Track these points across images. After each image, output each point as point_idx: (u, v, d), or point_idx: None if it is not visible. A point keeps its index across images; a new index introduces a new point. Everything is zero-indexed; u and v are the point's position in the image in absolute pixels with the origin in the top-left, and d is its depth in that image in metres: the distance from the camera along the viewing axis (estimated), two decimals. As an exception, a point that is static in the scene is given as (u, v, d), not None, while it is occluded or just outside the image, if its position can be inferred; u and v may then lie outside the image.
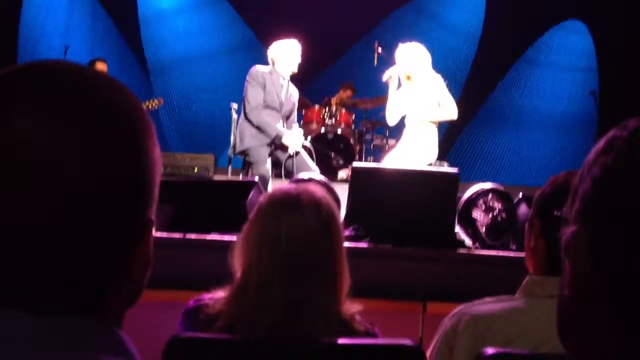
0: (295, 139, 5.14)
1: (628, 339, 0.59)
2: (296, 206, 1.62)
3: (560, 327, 0.67)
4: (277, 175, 5.28)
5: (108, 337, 0.67)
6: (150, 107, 7.09)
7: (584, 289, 0.63)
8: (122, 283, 0.69)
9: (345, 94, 7.81)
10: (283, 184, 4.73)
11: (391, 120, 5.29)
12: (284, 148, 5.14)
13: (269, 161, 5.16)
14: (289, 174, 5.05)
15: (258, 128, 5.10)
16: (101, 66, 7.02)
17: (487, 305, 1.58)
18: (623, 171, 0.60)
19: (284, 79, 5.24)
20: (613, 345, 0.61)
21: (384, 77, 5.24)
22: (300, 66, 5.33)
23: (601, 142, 0.64)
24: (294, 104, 5.39)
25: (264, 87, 5.13)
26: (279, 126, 5.16)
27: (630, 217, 0.58)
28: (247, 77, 5.19)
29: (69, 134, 0.64)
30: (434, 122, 5.19)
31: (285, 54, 5.22)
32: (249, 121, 5.12)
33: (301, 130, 5.44)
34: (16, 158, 0.63)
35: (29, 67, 0.69)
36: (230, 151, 5.38)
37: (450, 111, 5.14)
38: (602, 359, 0.62)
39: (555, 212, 1.45)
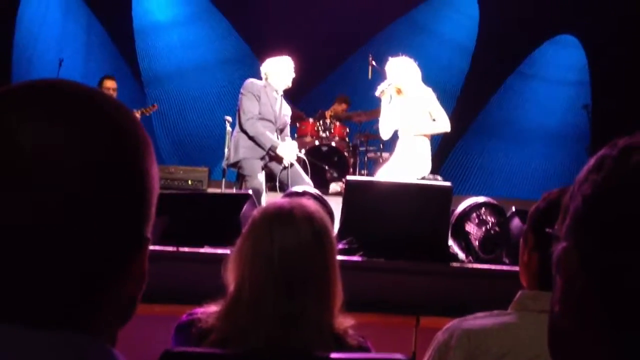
0: (289, 150, 5.16)
1: (620, 357, 0.60)
2: (289, 220, 1.62)
3: (551, 343, 0.67)
4: (271, 188, 5.28)
5: (101, 353, 0.67)
6: (145, 113, 7.12)
7: (575, 305, 0.63)
8: (116, 299, 0.70)
9: (339, 107, 7.84)
10: (277, 197, 4.75)
11: (385, 134, 5.32)
12: (279, 160, 5.16)
13: (262, 174, 5.16)
14: (283, 187, 5.06)
15: (253, 139, 5.11)
16: (110, 83, 7.05)
17: (480, 320, 1.58)
18: (612, 189, 0.61)
19: (277, 93, 5.27)
20: None
21: (377, 92, 5.27)
22: (295, 79, 5.36)
23: (592, 161, 0.65)
24: (287, 119, 5.42)
25: (259, 99, 5.16)
26: (274, 137, 5.18)
27: (620, 234, 0.59)
28: (242, 90, 5.22)
29: (69, 146, 0.65)
30: (426, 135, 5.21)
31: (279, 70, 5.25)
32: (244, 132, 5.13)
33: (295, 142, 5.45)
34: (16, 166, 0.64)
35: (35, 82, 0.70)
36: (224, 163, 5.38)
37: (442, 124, 5.17)
38: None
39: (547, 229, 1.46)
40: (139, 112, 6.98)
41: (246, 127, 5.12)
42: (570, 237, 0.64)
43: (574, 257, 0.63)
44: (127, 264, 0.70)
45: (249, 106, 5.13)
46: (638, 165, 0.60)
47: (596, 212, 0.62)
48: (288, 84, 5.30)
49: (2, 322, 0.64)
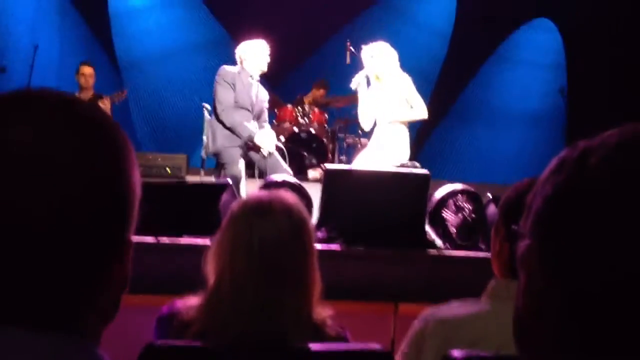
0: (267, 139, 5.14)
1: (578, 354, 0.62)
2: (268, 212, 1.65)
3: (516, 334, 0.70)
4: (250, 175, 5.28)
5: (86, 353, 0.70)
6: (115, 100, 6.98)
7: (536, 302, 0.66)
8: (100, 300, 0.72)
9: (318, 92, 7.82)
10: (256, 185, 4.76)
11: (365, 125, 5.33)
12: (257, 149, 5.15)
13: (241, 161, 5.16)
14: (262, 175, 5.07)
15: (230, 129, 5.10)
16: (87, 69, 6.94)
17: (454, 309, 1.63)
18: (571, 191, 0.63)
19: (252, 78, 5.23)
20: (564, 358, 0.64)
21: (352, 86, 5.27)
22: (273, 65, 5.33)
23: (553, 162, 0.68)
24: (263, 104, 5.39)
25: (234, 87, 5.13)
26: (251, 126, 5.17)
27: (578, 235, 0.62)
28: (216, 78, 5.17)
29: (51, 158, 0.67)
30: (403, 122, 5.23)
31: (253, 54, 5.20)
32: (221, 122, 5.11)
33: (273, 132, 5.44)
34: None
35: (16, 92, 0.72)
36: (202, 152, 5.36)
37: (419, 111, 5.19)
38: None
39: (513, 226, 1.49)
40: (109, 99, 6.82)
41: (222, 117, 5.10)
42: (532, 236, 0.66)
43: (535, 255, 0.65)
44: (110, 266, 0.72)
45: (223, 95, 5.10)
46: (596, 168, 0.62)
47: (556, 213, 0.64)
48: (263, 68, 5.24)
49: None
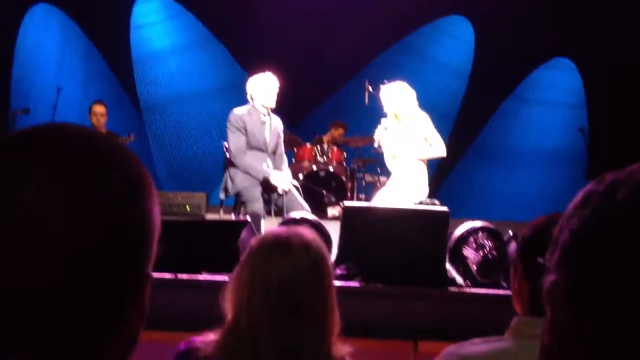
0: (282, 178, 5.15)
1: None
2: (286, 249, 1.64)
3: None
4: (267, 213, 5.28)
5: None
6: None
7: (562, 337, 0.65)
8: (119, 335, 0.71)
9: (337, 132, 7.88)
10: (274, 223, 4.76)
11: (394, 169, 5.37)
12: (273, 188, 5.16)
13: (261, 199, 5.16)
14: (280, 212, 5.07)
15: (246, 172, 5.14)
16: (99, 108, 7.00)
17: (476, 346, 1.59)
18: (599, 225, 0.62)
19: (264, 115, 5.25)
20: None
21: (376, 143, 5.31)
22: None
23: (579, 195, 0.67)
24: (279, 137, 5.37)
25: (245, 130, 5.15)
26: (265, 167, 5.18)
27: (606, 270, 0.61)
28: (227, 123, 5.22)
29: (72, 195, 0.67)
30: (422, 160, 5.24)
31: (261, 87, 5.20)
32: (235, 166, 5.16)
33: (289, 170, 5.45)
34: (19, 220, 0.65)
35: (39, 129, 0.72)
36: (221, 194, 5.37)
37: (438, 149, 5.20)
38: None
39: (538, 259, 1.47)
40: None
41: (236, 162, 5.15)
42: (559, 271, 0.65)
43: (561, 290, 0.64)
44: (129, 300, 0.71)
45: (235, 140, 5.15)
46: (624, 202, 0.62)
47: (583, 247, 0.63)
48: (271, 104, 5.21)
49: None
